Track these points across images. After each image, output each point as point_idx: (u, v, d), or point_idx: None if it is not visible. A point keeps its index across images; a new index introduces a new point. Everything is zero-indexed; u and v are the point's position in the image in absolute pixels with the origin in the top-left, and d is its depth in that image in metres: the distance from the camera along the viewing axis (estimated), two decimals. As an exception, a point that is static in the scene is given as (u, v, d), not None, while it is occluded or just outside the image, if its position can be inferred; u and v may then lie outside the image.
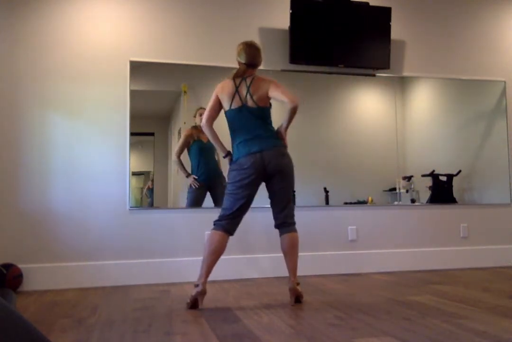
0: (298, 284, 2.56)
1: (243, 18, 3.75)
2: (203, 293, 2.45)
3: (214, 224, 2.58)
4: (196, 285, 2.46)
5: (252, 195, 2.58)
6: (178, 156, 3.52)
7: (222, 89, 2.62)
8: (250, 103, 2.59)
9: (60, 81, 3.37)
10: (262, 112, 2.61)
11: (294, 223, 2.64)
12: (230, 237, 3.54)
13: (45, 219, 3.27)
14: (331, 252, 3.73)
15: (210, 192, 3.55)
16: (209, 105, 2.64)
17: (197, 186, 3.50)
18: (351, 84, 3.91)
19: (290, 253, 2.57)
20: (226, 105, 2.61)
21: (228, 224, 2.55)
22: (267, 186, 2.64)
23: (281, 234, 2.62)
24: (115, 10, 3.51)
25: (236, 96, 2.59)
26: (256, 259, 3.57)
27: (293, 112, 2.55)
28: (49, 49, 3.37)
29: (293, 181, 2.64)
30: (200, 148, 3.55)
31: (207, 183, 3.55)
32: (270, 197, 2.65)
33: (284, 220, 2.61)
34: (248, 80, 2.62)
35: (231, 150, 2.66)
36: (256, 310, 2.45)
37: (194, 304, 2.49)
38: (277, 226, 2.64)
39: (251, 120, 2.59)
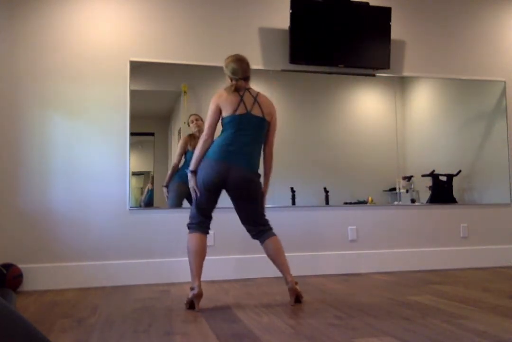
0: (296, 283, 2.56)
1: (243, 18, 3.75)
2: (199, 295, 2.45)
3: (189, 228, 2.60)
4: (192, 288, 2.47)
5: (214, 198, 2.59)
6: (178, 163, 3.51)
7: (224, 99, 2.57)
8: (255, 111, 2.59)
9: (60, 81, 3.37)
10: (264, 123, 2.62)
11: (268, 227, 2.64)
12: (230, 237, 3.54)
13: (45, 219, 3.27)
14: (331, 252, 3.73)
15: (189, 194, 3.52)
16: (209, 120, 2.57)
17: (166, 196, 3.49)
18: (351, 84, 3.91)
19: (278, 257, 2.57)
20: (229, 112, 2.56)
21: (201, 225, 2.58)
22: (232, 199, 2.62)
23: (261, 242, 2.61)
24: (115, 10, 3.51)
25: (242, 104, 2.57)
26: (256, 259, 3.57)
27: (271, 157, 2.69)
28: (49, 49, 3.37)
29: (257, 200, 2.60)
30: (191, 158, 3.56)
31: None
32: (237, 211, 2.65)
33: (259, 230, 2.62)
34: (253, 92, 2.63)
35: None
36: (256, 310, 2.45)
37: (191, 306, 2.52)
38: (254, 237, 2.64)
39: (251, 129, 2.57)
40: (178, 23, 3.62)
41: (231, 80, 2.64)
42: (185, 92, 3.58)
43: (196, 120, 3.55)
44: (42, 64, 3.35)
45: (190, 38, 3.64)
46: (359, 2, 3.83)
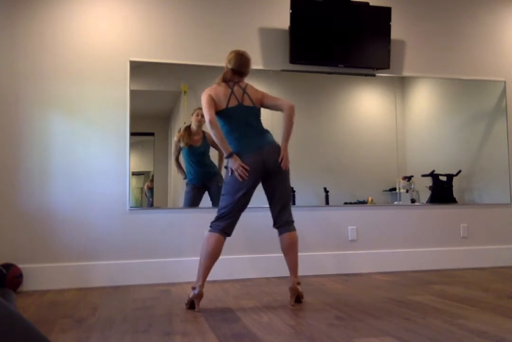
0: (299, 283, 2.56)
1: (243, 18, 3.75)
2: (199, 296, 2.45)
3: (211, 226, 2.56)
4: (193, 288, 2.46)
5: (250, 195, 2.58)
6: (176, 159, 3.52)
7: (214, 91, 2.60)
8: (246, 102, 2.64)
9: (60, 81, 3.37)
10: (258, 110, 2.68)
11: (293, 222, 2.65)
12: (231, 237, 3.54)
13: (45, 219, 3.27)
14: (331, 252, 3.73)
15: (208, 192, 3.55)
16: (205, 105, 2.55)
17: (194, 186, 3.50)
18: (351, 84, 3.91)
19: (291, 252, 2.57)
20: (221, 105, 2.60)
21: (225, 225, 2.54)
22: (265, 185, 2.64)
23: (280, 233, 2.62)
24: (115, 10, 3.51)
25: (233, 96, 2.61)
26: (256, 259, 3.57)
27: (291, 114, 2.61)
28: (49, 49, 3.37)
29: (289, 179, 2.67)
30: (189, 154, 3.53)
31: (201, 185, 3.55)
32: (269, 196, 2.64)
33: (284, 220, 2.62)
34: (242, 85, 2.68)
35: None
36: (256, 310, 2.45)
37: (191, 306, 2.51)
38: (277, 226, 2.64)
39: (248, 117, 2.62)
40: (178, 23, 3.62)
41: (226, 69, 2.69)
42: (185, 92, 3.58)
43: (202, 116, 3.54)
44: (42, 64, 3.35)
45: (190, 38, 3.64)
46: (359, 2, 3.83)
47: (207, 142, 3.56)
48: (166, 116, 3.55)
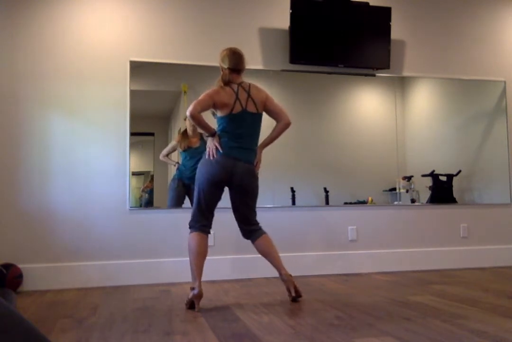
0: (290, 276, 2.59)
1: (243, 18, 3.75)
2: (199, 296, 2.45)
3: (190, 227, 2.61)
4: (192, 288, 2.47)
5: (218, 194, 2.61)
6: (164, 156, 3.50)
7: (219, 96, 2.56)
8: (250, 108, 2.63)
9: (60, 81, 3.37)
10: (260, 117, 2.68)
11: (260, 227, 2.70)
12: (230, 237, 3.54)
13: (45, 219, 3.27)
14: (331, 252, 3.73)
15: (187, 193, 3.53)
16: (198, 101, 2.47)
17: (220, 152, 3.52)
18: (351, 84, 3.91)
19: (269, 252, 2.63)
20: (225, 110, 2.58)
21: (202, 224, 2.59)
22: (231, 193, 2.67)
23: (253, 241, 2.68)
24: (115, 10, 3.51)
25: (237, 102, 2.60)
26: (256, 259, 3.57)
27: (284, 129, 2.69)
28: (49, 49, 3.37)
29: (256, 197, 2.69)
30: (190, 155, 3.54)
31: (188, 183, 3.54)
32: (232, 205, 2.69)
33: (250, 229, 2.68)
34: (246, 86, 2.65)
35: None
36: (256, 310, 2.45)
37: (191, 306, 2.52)
38: (245, 236, 2.70)
39: (248, 126, 2.62)
40: (178, 23, 3.62)
41: (222, 71, 2.66)
42: (185, 92, 3.58)
43: None
44: (42, 64, 3.35)
45: (190, 38, 3.64)
46: (359, 2, 3.83)
47: (205, 142, 3.56)
48: (166, 116, 3.55)
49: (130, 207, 3.40)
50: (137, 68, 3.50)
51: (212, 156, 2.55)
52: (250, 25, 3.76)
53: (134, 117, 3.47)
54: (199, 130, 2.54)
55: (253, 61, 3.73)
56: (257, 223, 2.71)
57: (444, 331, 1.98)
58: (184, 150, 3.53)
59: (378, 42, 3.86)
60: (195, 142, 3.54)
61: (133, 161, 3.45)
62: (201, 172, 2.58)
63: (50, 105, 3.35)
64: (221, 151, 2.55)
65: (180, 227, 3.48)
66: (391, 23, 3.94)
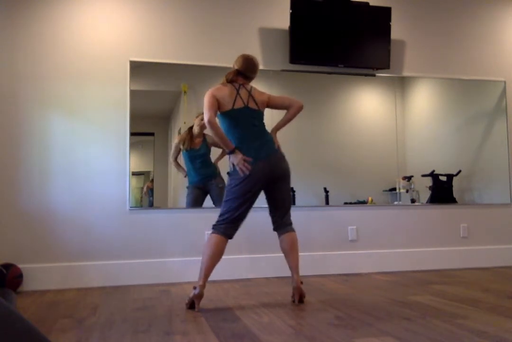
0: (301, 283, 2.58)
1: (243, 18, 3.75)
2: (200, 296, 2.45)
3: (213, 228, 2.57)
4: (195, 288, 2.47)
5: (253, 201, 2.60)
6: (174, 160, 3.52)
7: (220, 92, 2.60)
8: (251, 105, 2.66)
9: (60, 81, 3.37)
10: (262, 114, 2.71)
11: (291, 223, 2.71)
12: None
13: (45, 219, 3.27)
14: (331, 252, 3.73)
15: (209, 193, 3.56)
16: (207, 105, 2.53)
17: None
18: (351, 84, 3.91)
19: (291, 252, 2.60)
20: (227, 106, 2.60)
21: (228, 228, 2.55)
22: (268, 190, 2.66)
23: (280, 234, 2.66)
24: (115, 10, 3.51)
25: (238, 98, 2.63)
26: (256, 259, 3.57)
27: (298, 111, 2.70)
28: (49, 49, 3.37)
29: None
30: (190, 157, 3.54)
31: (202, 185, 3.55)
32: (272, 201, 2.67)
33: (285, 222, 2.67)
34: (248, 87, 2.70)
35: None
36: (256, 310, 2.45)
37: (191, 306, 2.52)
38: (276, 228, 2.69)
39: (253, 121, 2.64)
40: (178, 23, 3.62)
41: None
42: (185, 92, 3.58)
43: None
44: (42, 64, 3.35)
45: (190, 38, 3.64)
46: (359, 2, 3.83)
47: (207, 144, 3.56)
48: (166, 116, 3.55)
49: (130, 207, 3.40)
50: (137, 68, 3.50)
51: (246, 170, 2.52)
52: (250, 25, 3.76)
53: (134, 117, 3.47)
54: (215, 139, 2.51)
55: (253, 61, 3.73)
56: (289, 217, 2.71)
57: (444, 331, 1.98)
58: (186, 151, 3.53)
59: (378, 42, 3.86)
60: (197, 144, 3.55)
61: (133, 162, 3.45)
62: (239, 185, 2.53)
63: (50, 105, 3.35)
64: (251, 160, 2.54)
65: (180, 226, 3.48)
66: (391, 23, 3.94)
